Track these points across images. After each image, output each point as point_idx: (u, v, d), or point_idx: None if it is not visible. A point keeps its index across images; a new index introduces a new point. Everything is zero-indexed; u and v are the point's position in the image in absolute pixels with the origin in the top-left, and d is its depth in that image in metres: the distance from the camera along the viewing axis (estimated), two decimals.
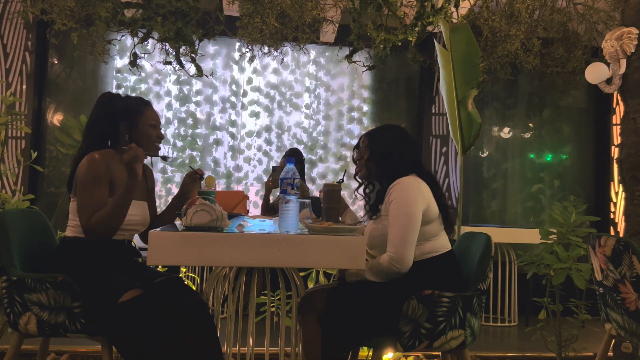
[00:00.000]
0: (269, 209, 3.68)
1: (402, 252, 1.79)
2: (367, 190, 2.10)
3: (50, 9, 3.72)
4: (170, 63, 4.00)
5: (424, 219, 1.86)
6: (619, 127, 3.46)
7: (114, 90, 4.53)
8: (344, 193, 4.71)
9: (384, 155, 2.00)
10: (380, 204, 1.95)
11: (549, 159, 5.03)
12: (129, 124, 1.96)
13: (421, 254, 1.87)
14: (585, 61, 4.08)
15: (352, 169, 2.15)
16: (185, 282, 2.10)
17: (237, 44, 4.54)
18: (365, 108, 4.91)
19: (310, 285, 3.01)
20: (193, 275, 3.83)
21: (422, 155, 2.15)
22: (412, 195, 1.85)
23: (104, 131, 1.98)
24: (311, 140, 4.81)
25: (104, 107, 2.00)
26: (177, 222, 2.11)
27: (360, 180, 2.11)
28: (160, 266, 2.75)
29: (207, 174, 2.21)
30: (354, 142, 4.83)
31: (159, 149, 2.05)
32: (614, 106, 4.68)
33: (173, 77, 4.63)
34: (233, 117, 4.73)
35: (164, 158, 2.20)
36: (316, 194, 4.70)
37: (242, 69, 4.75)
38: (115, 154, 1.96)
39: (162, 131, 2.09)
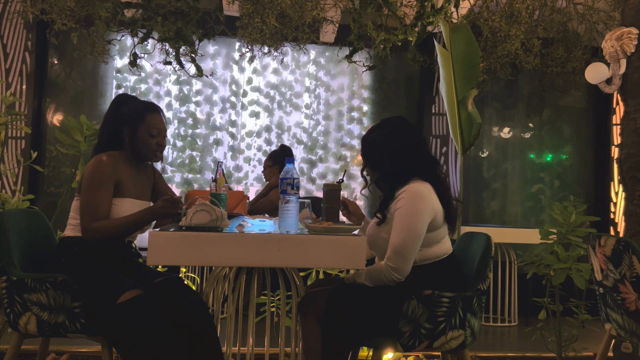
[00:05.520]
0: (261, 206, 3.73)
1: (401, 264, 1.76)
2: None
3: (50, 9, 3.72)
4: (170, 63, 4.00)
5: (430, 227, 1.82)
6: (619, 127, 3.46)
7: (113, 91, 4.58)
8: (344, 193, 4.71)
9: (376, 163, 1.94)
10: (385, 209, 1.88)
11: (549, 159, 5.03)
12: (131, 129, 1.97)
13: (422, 259, 1.85)
14: (585, 61, 4.08)
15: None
16: (185, 282, 2.10)
17: (237, 44, 4.54)
18: (365, 108, 4.91)
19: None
20: (193, 275, 3.83)
21: (422, 144, 1.92)
22: (420, 206, 1.79)
23: (111, 134, 2.01)
24: (311, 140, 4.81)
25: (113, 110, 2.03)
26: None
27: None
28: (160, 266, 2.75)
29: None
30: (354, 142, 4.84)
31: (158, 157, 2.04)
32: (614, 106, 4.69)
33: (173, 77, 4.63)
34: (233, 117, 4.73)
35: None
36: (317, 194, 4.70)
37: (242, 69, 4.75)
38: (123, 156, 1.98)
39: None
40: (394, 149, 1.91)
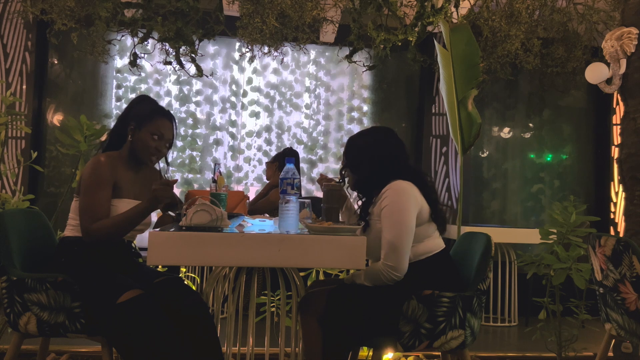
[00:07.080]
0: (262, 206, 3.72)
1: (397, 261, 1.78)
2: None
3: (50, 9, 3.72)
4: (170, 63, 4.00)
5: (417, 221, 1.85)
6: (619, 127, 3.46)
7: (114, 91, 4.58)
8: None
9: (356, 165, 1.98)
10: (366, 215, 1.93)
11: (549, 159, 5.03)
12: (136, 126, 1.96)
13: (415, 255, 1.86)
14: (585, 61, 4.08)
15: None
16: (185, 282, 2.11)
17: (237, 44, 4.54)
18: (365, 108, 4.91)
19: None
20: (193, 275, 3.83)
21: (404, 158, 1.97)
22: (405, 201, 1.82)
23: (118, 131, 2.00)
24: (311, 140, 4.81)
25: (126, 109, 2.03)
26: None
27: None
28: (160, 266, 2.75)
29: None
30: None
31: (153, 162, 2.00)
32: (614, 106, 4.68)
33: (173, 77, 4.63)
34: (233, 117, 4.73)
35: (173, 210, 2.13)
36: (317, 194, 4.70)
37: (242, 69, 4.75)
38: (122, 157, 1.97)
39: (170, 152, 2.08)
40: (374, 159, 1.95)
